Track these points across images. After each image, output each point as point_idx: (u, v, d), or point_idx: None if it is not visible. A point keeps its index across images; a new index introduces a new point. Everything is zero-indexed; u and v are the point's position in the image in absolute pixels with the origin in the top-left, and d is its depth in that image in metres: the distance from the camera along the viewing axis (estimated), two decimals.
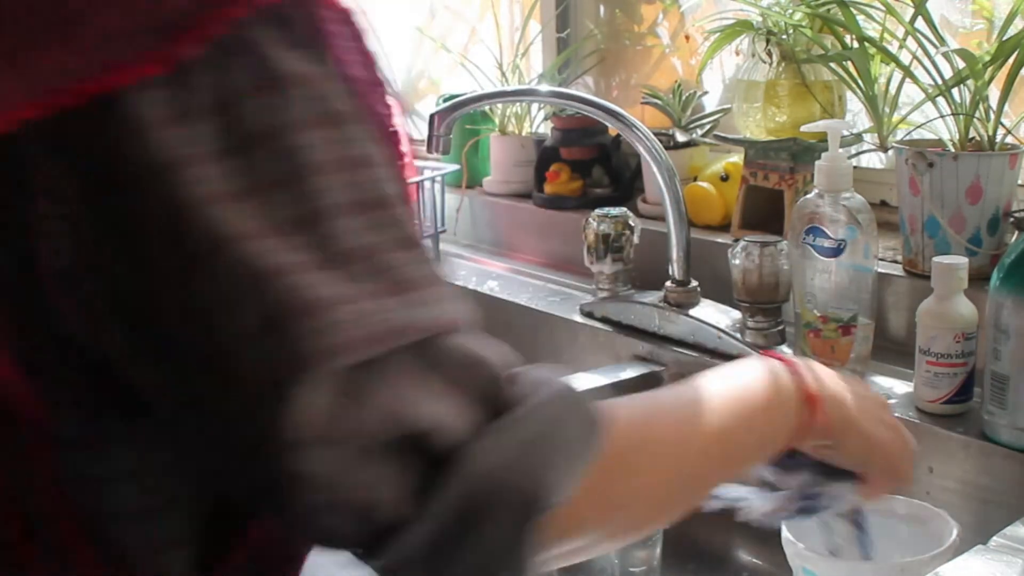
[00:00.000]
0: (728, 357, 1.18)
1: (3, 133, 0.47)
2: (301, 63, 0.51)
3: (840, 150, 1.07)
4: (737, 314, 1.21)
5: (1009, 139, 1.14)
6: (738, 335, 1.18)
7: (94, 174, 0.48)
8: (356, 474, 0.49)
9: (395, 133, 0.57)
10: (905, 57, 1.20)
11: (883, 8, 1.19)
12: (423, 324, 0.51)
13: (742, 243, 1.17)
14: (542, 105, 1.75)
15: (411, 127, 2.11)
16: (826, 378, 0.72)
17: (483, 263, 1.68)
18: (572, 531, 0.58)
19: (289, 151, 0.49)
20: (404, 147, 0.58)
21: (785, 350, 1.16)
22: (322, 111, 0.51)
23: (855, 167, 1.13)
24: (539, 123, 1.80)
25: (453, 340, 0.53)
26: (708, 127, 1.53)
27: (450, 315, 0.53)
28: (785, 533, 0.85)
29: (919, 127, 1.21)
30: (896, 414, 1.01)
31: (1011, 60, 1.09)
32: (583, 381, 1.22)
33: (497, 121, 1.79)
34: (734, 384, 0.69)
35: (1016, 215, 1.13)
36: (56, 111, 0.47)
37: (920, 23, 1.15)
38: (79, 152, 0.48)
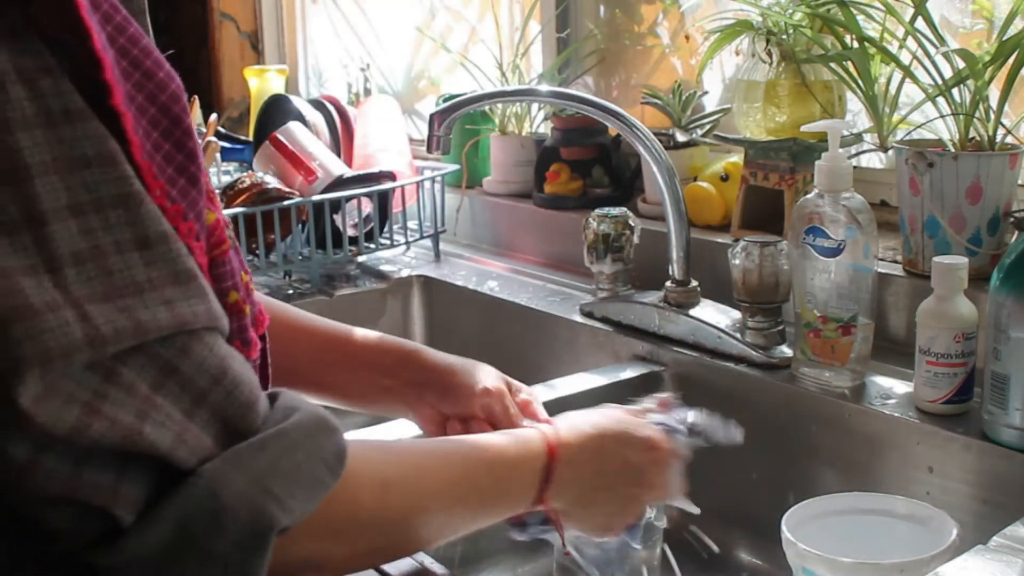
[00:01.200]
0: (728, 357, 1.19)
1: None
2: (17, 57, 0.48)
3: (840, 150, 1.07)
4: (737, 314, 1.21)
5: (1009, 139, 1.14)
6: (738, 335, 1.18)
7: None
8: (84, 476, 0.49)
9: (174, 114, 0.55)
10: (905, 57, 1.19)
11: (883, 8, 1.19)
12: (150, 326, 0.50)
13: (742, 243, 1.17)
14: (542, 105, 1.75)
15: (411, 127, 2.11)
16: (573, 463, 0.78)
17: (483, 263, 1.68)
18: (295, 555, 0.59)
19: (3, 152, 0.47)
20: (187, 124, 0.55)
21: (785, 350, 1.16)
22: (39, 110, 0.49)
23: (855, 167, 1.13)
24: (539, 123, 1.80)
25: (195, 347, 0.53)
26: (708, 127, 1.53)
27: (185, 317, 0.52)
28: (785, 533, 0.86)
29: (919, 127, 1.21)
30: (896, 414, 1.02)
31: (1011, 60, 1.09)
32: (583, 381, 1.22)
33: (497, 121, 1.79)
34: (480, 447, 0.73)
35: (1016, 215, 1.13)
36: None
37: (920, 23, 1.15)
38: None
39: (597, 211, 1.37)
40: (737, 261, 1.17)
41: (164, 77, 0.54)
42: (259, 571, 0.54)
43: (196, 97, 1.66)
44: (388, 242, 1.74)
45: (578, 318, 1.38)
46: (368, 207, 1.69)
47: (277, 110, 1.83)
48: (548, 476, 0.76)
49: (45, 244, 0.48)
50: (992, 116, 1.12)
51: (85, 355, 0.48)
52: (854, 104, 1.33)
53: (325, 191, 1.61)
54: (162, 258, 0.52)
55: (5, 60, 0.48)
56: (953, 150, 1.13)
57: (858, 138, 1.30)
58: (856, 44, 1.22)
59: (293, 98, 1.84)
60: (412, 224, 1.80)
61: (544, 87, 1.70)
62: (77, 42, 0.50)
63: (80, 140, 0.50)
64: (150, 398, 0.50)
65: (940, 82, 1.14)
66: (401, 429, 1.09)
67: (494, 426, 0.89)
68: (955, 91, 1.13)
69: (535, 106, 1.78)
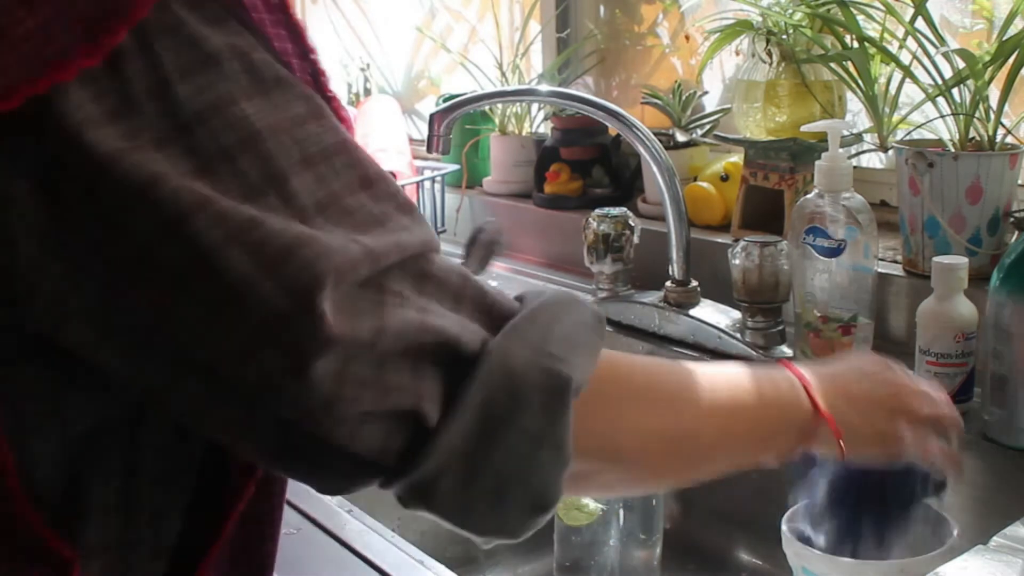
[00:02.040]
0: (728, 357, 1.19)
1: None
2: (225, 37, 0.52)
3: (840, 150, 1.07)
4: (737, 314, 1.21)
5: (1009, 139, 1.14)
6: (738, 335, 1.18)
7: (41, 175, 0.48)
8: (389, 381, 0.51)
9: (334, 99, 0.59)
10: (905, 57, 1.20)
11: (883, 8, 1.19)
12: (402, 246, 0.53)
13: (742, 243, 1.17)
14: (542, 105, 1.75)
15: (411, 127, 2.11)
16: (837, 392, 0.73)
17: None
18: (592, 428, 0.59)
19: (234, 122, 0.51)
20: (344, 111, 0.59)
21: (785, 351, 1.16)
22: (255, 80, 0.52)
23: (855, 167, 1.13)
24: (539, 123, 1.80)
25: (439, 257, 0.56)
26: (708, 127, 1.53)
27: (424, 238, 0.55)
28: (785, 533, 0.85)
29: (919, 127, 1.21)
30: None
31: (1011, 60, 1.09)
32: None
33: (497, 121, 1.79)
34: (736, 374, 0.69)
35: (1016, 215, 1.13)
36: None
37: (920, 23, 1.15)
38: (25, 154, 0.48)
39: (597, 211, 1.37)
40: (737, 261, 1.17)
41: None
42: (566, 433, 0.55)
43: None
44: None
45: None
46: None
47: None
48: (806, 389, 0.71)
49: (290, 200, 0.51)
50: (992, 116, 1.12)
51: (366, 269, 0.51)
52: (854, 104, 1.33)
53: None
54: (385, 193, 0.55)
55: (217, 40, 0.51)
56: (953, 150, 1.13)
57: (858, 138, 1.30)
58: (856, 44, 1.22)
59: None
60: None
61: (544, 87, 1.70)
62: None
63: (293, 101, 0.53)
64: (420, 299, 0.53)
65: (940, 82, 1.14)
66: None
67: None
68: (955, 91, 1.13)
69: (535, 106, 1.78)
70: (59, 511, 0.54)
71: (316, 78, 0.57)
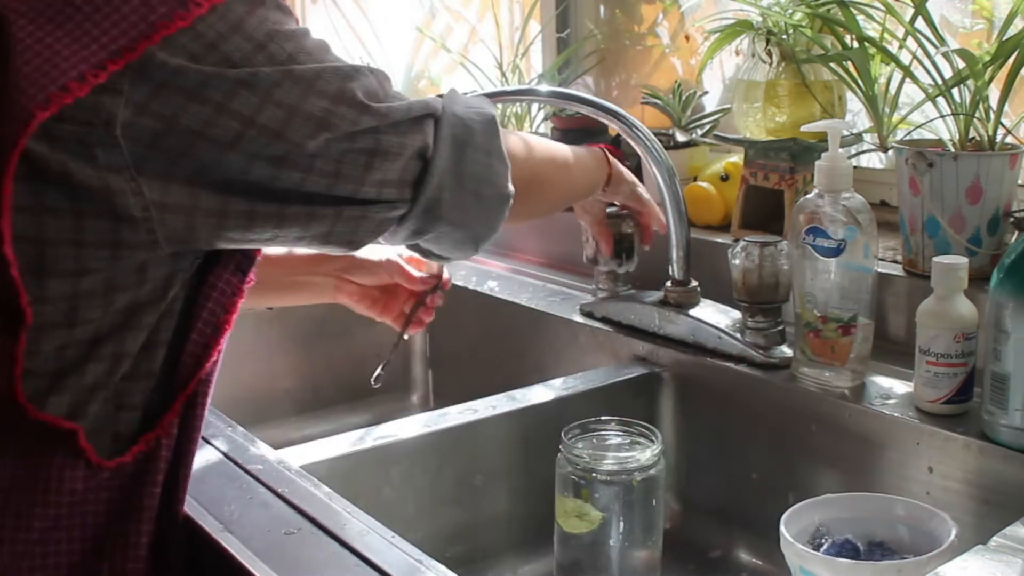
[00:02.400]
0: (728, 357, 1.19)
1: (98, 83, 0.69)
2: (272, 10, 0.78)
3: (840, 150, 1.07)
4: (737, 314, 1.21)
5: (1009, 139, 1.14)
6: (738, 335, 1.18)
7: (162, 102, 0.71)
8: (406, 133, 0.80)
9: None
10: (905, 57, 1.19)
11: (883, 8, 1.19)
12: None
13: (742, 243, 1.17)
14: (542, 105, 1.75)
15: None
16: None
17: (483, 263, 1.68)
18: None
19: (293, 42, 0.76)
20: None
21: (785, 351, 1.16)
22: (296, 27, 0.78)
23: (855, 167, 1.13)
24: (539, 123, 1.80)
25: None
26: (708, 127, 1.53)
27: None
28: (785, 533, 0.86)
29: (919, 127, 1.21)
30: (896, 414, 1.02)
31: (1011, 60, 1.09)
32: (583, 381, 1.22)
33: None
34: (572, 151, 1.13)
35: (1016, 215, 1.13)
36: (124, 64, 0.69)
37: (920, 23, 1.15)
38: (150, 88, 0.70)
39: (610, 208, 1.37)
40: (737, 261, 1.17)
41: None
42: (502, 147, 0.89)
43: None
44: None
45: (578, 318, 1.38)
46: None
47: None
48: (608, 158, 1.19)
49: (339, 61, 0.81)
50: (992, 116, 1.12)
51: (387, 87, 0.83)
52: (854, 104, 1.33)
53: None
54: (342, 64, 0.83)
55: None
56: (953, 150, 1.13)
57: (858, 138, 1.30)
58: (856, 44, 1.22)
59: None
60: None
61: (544, 87, 1.70)
62: None
63: (304, 37, 0.82)
64: (389, 84, 0.84)
65: (940, 82, 1.14)
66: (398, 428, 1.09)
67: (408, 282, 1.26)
68: (955, 91, 1.13)
69: (535, 106, 1.78)
70: (42, 396, 0.74)
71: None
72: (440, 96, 0.89)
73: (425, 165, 0.82)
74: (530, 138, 1.07)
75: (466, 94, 0.94)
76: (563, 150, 1.12)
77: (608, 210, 1.36)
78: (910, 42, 1.18)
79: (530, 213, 1.10)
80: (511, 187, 0.90)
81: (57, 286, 0.72)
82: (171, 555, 0.84)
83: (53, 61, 0.69)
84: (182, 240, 0.75)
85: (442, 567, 0.78)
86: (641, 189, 1.26)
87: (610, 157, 1.20)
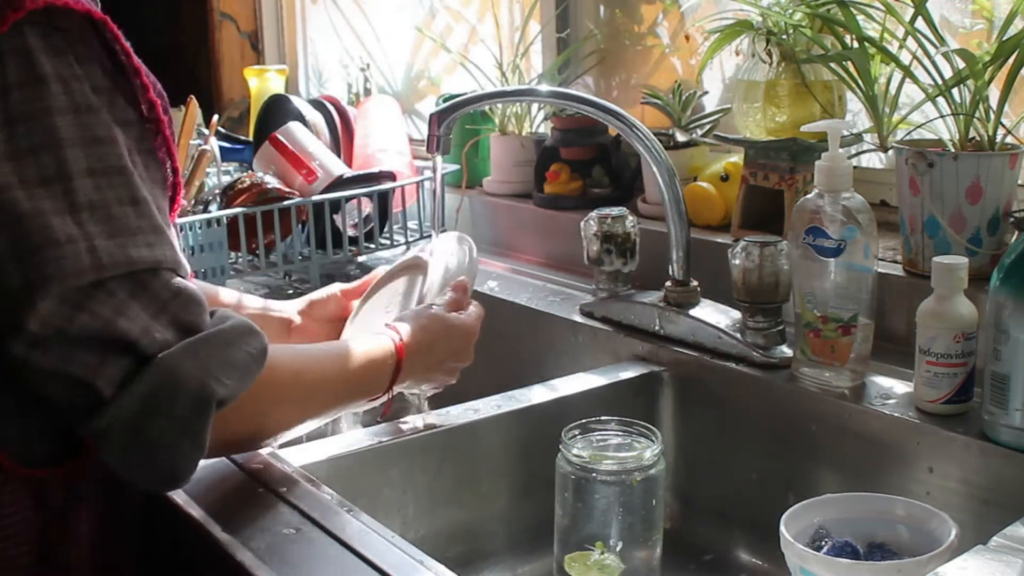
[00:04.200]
0: (728, 357, 1.19)
1: None
2: (58, 67, 0.73)
3: (840, 150, 1.07)
4: (737, 314, 1.21)
5: (1009, 139, 1.14)
6: (738, 335, 1.18)
7: None
8: (77, 357, 0.72)
9: (160, 120, 0.80)
10: (905, 57, 1.19)
11: (883, 8, 1.19)
12: (137, 260, 0.74)
13: (742, 243, 1.17)
14: (542, 105, 1.75)
15: (411, 127, 2.11)
16: (416, 347, 1.03)
17: (483, 263, 1.68)
18: (234, 430, 0.84)
19: (44, 128, 0.72)
20: (167, 115, 0.81)
21: (785, 351, 1.16)
22: (72, 102, 0.73)
23: (855, 167, 1.13)
24: (539, 123, 1.80)
25: (164, 276, 0.76)
26: (708, 127, 1.53)
27: (159, 257, 0.76)
28: (784, 534, 0.86)
29: (919, 127, 1.21)
30: (896, 414, 1.02)
31: (1011, 60, 1.09)
32: (583, 381, 1.22)
33: (497, 121, 1.79)
34: (353, 349, 0.99)
35: (1016, 215, 1.13)
36: None
37: (920, 23, 1.15)
38: None
39: (597, 211, 1.37)
40: (737, 261, 1.17)
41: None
42: (205, 432, 0.76)
43: (192, 97, 1.65)
44: (388, 242, 1.74)
45: (578, 318, 1.38)
46: (368, 207, 1.69)
47: (277, 110, 1.83)
48: (398, 370, 1.02)
49: (70, 194, 0.72)
50: (992, 116, 1.12)
51: (91, 276, 0.73)
52: (854, 104, 1.33)
53: (325, 191, 1.61)
54: (146, 214, 0.76)
55: (50, 68, 0.73)
56: (953, 150, 1.13)
57: (858, 138, 1.30)
58: (856, 44, 1.22)
59: (293, 98, 1.85)
60: (412, 224, 1.80)
61: (544, 87, 1.70)
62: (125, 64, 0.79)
63: (95, 126, 0.74)
64: (126, 303, 0.74)
65: (940, 82, 1.14)
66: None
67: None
68: (955, 91, 1.13)
69: (535, 106, 1.78)
70: None
71: (148, 105, 0.79)
72: (189, 319, 0.78)
73: (96, 402, 0.74)
74: (298, 389, 0.93)
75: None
76: (324, 389, 0.96)
77: (608, 210, 1.37)
78: (910, 42, 1.18)
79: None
80: (191, 470, 0.78)
81: None
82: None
83: None
84: None
85: (442, 567, 0.78)
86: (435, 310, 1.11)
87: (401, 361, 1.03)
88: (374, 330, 1.06)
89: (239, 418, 0.83)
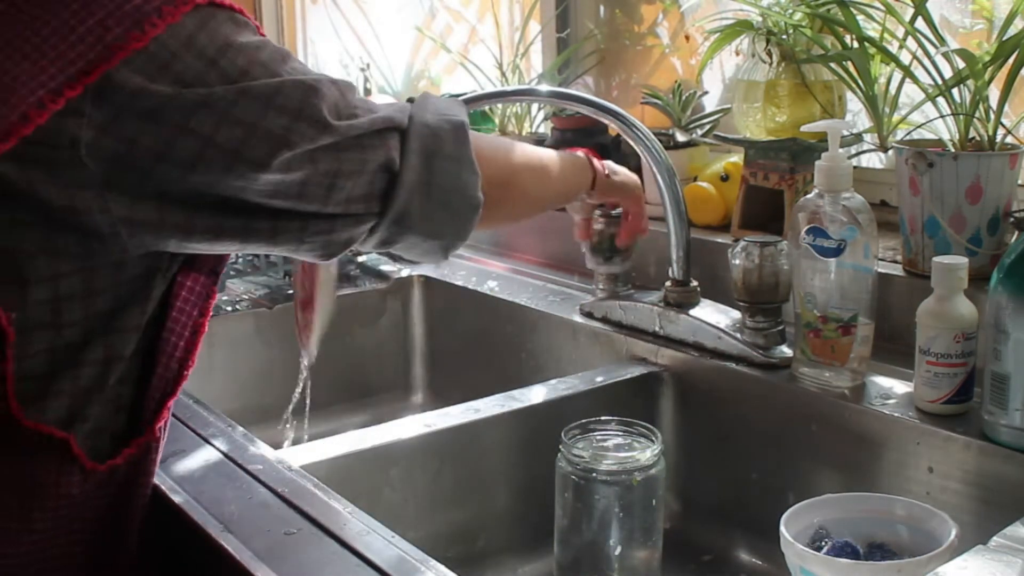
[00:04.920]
0: (728, 357, 1.19)
1: (57, 108, 0.68)
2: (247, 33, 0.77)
3: (840, 150, 1.07)
4: (737, 314, 1.21)
5: (1009, 139, 1.14)
6: (738, 335, 1.18)
7: (124, 115, 0.70)
8: (368, 148, 0.80)
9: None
10: (905, 57, 1.19)
11: (883, 8, 1.19)
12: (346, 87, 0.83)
13: (742, 243, 1.17)
14: (542, 105, 1.75)
15: None
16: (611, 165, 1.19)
17: (483, 263, 1.68)
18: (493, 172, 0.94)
19: (250, 61, 0.75)
20: None
21: (785, 350, 1.16)
22: (247, 40, 0.77)
23: (855, 167, 1.13)
24: (539, 123, 1.80)
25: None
26: (708, 127, 1.53)
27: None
28: (784, 534, 0.86)
29: (919, 127, 1.21)
30: (896, 414, 1.02)
31: (1011, 60, 1.09)
32: (583, 381, 1.22)
33: (497, 121, 1.79)
34: (554, 155, 1.10)
35: (1016, 215, 1.13)
36: (82, 88, 0.69)
37: (920, 23, 1.15)
38: (110, 110, 0.70)
39: (597, 211, 1.37)
40: (737, 261, 1.17)
41: None
42: (472, 155, 0.87)
43: None
44: None
45: (578, 318, 1.38)
46: None
47: None
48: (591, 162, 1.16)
49: (305, 71, 0.80)
50: (992, 116, 1.12)
51: (349, 97, 0.82)
52: (854, 104, 1.33)
53: None
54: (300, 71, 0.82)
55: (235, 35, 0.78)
56: (953, 150, 1.13)
57: (858, 138, 1.30)
58: (856, 44, 1.22)
59: None
60: None
61: (544, 87, 1.70)
62: None
63: (273, 49, 0.81)
64: (366, 100, 0.83)
65: (940, 82, 1.14)
66: (401, 429, 1.09)
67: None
68: (955, 91, 1.13)
69: (535, 106, 1.78)
70: (38, 401, 0.74)
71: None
72: (412, 100, 0.88)
73: (392, 178, 0.82)
74: (506, 143, 1.06)
75: (445, 95, 0.92)
76: (542, 155, 1.08)
77: (607, 210, 1.36)
78: (910, 42, 1.18)
79: (504, 218, 1.08)
80: (480, 195, 0.89)
81: (37, 292, 0.72)
82: (155, 545, 0.89)
83: (11, 87, 0.68)
84: (151, 250, 0.76)
85: (442, 567, 0.78)
86: (634, 189, 1.23)
87: (594, 162, 1.17)
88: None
89: (484, 159, 0.91)
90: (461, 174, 0.87)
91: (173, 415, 0.98)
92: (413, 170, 0.82)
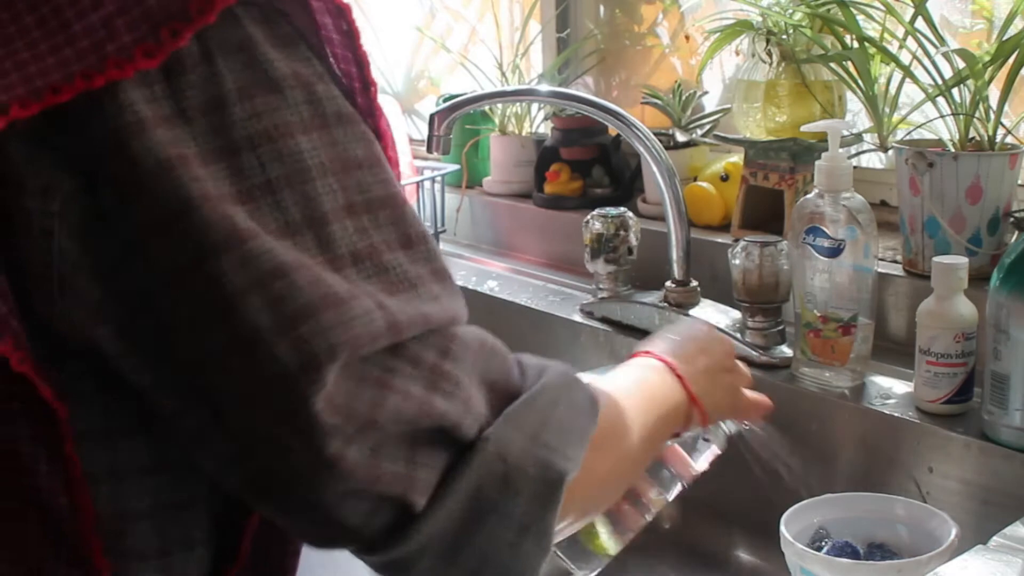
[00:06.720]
0: None
1: None
2: (292, 63, 0.51)
3: (840, 150, 1.07)
4: (737, 314, 1.21)
5: (1009, 139, 1.14)
6: (738, 335, 1.18)
7: (85, 170, 0.48)
8: (381, 467, 0.50)
9: (386, 134, 0.57)
10: (905, 57, 1.19)
11: (883, 8, 1.19)
12: (427, 318, 0.52)
13: (742, 243, 1.17)
14: (542, 105, 1.75)
15: (411, 127, 2.11)
16: (696, 373, 0.81)
17: (483, 263, 1.68)
18: (567, 508, 0.60)
19: (285, 154, 0.49)
20: (395, 149, 0.58)
21: (785, 351, 1.16)
22: (316, 113, 0.51)
23: (855, 167, 1.12)
24: (539, 123, 1.80)
25: (461, 330, 0.55)
26: (708, 127, 1.53)
27: (452, 310, 0.55)
28: (785, 534, 0.86)
29: (919, 127, 1.21)
30: (896, 414, 1.02)
31: (1011, 60, 1.09)
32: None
33: (497, 121, 1.79)
34: (647, 389, 0.77)
35: (1016, 215, 1.13)
36: (47, 108, 0.46)
37: (920, 23, 1.15)
38: (71, 148, 0.47)
39: (597, 211, 1.37)
40: (737, 261, 1.17)
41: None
42: (553, 523, 0.56)
43: None
44: None
45: (578, 318, 1.38)
46: None
47: None
48: (680, 380, 0.80)
49: (326, 244, 0.50)
50: (992, 116, 1.12)
51: (384, 341, 0.50)
52: (854, 104, 1.33)
53: None
54: (423, 256, 0.54)
55: (284, 66, 0.50)
56: (953, 150, 1.13)
57: (858, 138, 1.30)
58: (856, 44, 1.22)
59: None
60: None
61: (544, 87, 1.70)
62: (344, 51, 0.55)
63: (351, 142, 0.52)
64: (433, 375, 0.52)
65: (940, 82, 1.14)
66: None
67: None
68: (955, 91, 1.13)
69: (535, 106, 1.77)
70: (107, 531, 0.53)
71: (372, 113, 0.56)
72: (498, 378, 0.58)
73: (405, 518, 0.53)
74: (617, 428, 0.70)
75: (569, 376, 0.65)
76: (642, 424, 0.73)
77: (608, 210, 1.36)
78: (910, 42, 1.18)
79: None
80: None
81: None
82: None
83: None
84: None
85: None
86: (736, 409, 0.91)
87: (688, 386, 0.81)
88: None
89: (576, 497, 0.61)
90: (521, 546, 0.56)
91: None
92: (447, 520, 0.53)
